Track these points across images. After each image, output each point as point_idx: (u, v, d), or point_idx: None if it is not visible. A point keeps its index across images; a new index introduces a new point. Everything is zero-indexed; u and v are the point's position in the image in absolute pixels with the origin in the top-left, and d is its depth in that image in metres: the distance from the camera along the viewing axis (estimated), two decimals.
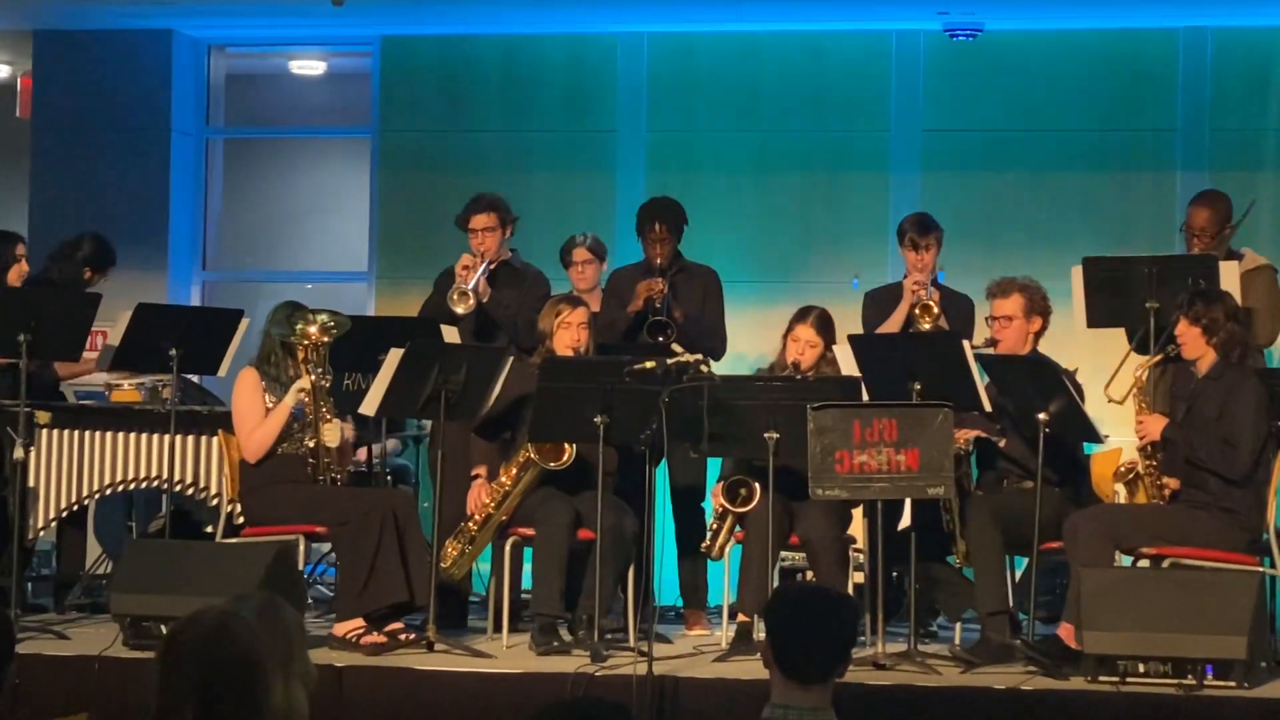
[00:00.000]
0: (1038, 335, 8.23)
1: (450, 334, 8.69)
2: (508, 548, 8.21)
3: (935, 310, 8.79)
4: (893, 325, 8.86)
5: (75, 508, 8.87)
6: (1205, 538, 7.56)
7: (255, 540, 7.97)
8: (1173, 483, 7.76)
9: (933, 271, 8.95)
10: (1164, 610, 7.18)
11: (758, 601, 7.58)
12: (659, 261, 8.94)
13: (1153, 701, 7.01)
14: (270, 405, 8.06)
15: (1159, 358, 7.99)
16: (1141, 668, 7.12)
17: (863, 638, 7.76)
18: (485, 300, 8.90)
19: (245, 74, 12.73)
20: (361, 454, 9.07)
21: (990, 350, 8.16)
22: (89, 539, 9.43)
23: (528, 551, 8.28)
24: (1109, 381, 8.16)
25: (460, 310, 8.82)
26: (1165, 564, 7.57)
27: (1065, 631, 7.45)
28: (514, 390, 8.20)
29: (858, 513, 8.16)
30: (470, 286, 8.83)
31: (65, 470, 8.75)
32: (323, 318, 8.02)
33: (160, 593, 7.60)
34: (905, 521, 8.05)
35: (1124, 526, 7.67)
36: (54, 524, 8.89)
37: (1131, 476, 7.85)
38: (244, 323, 8.81)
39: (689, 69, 11.40)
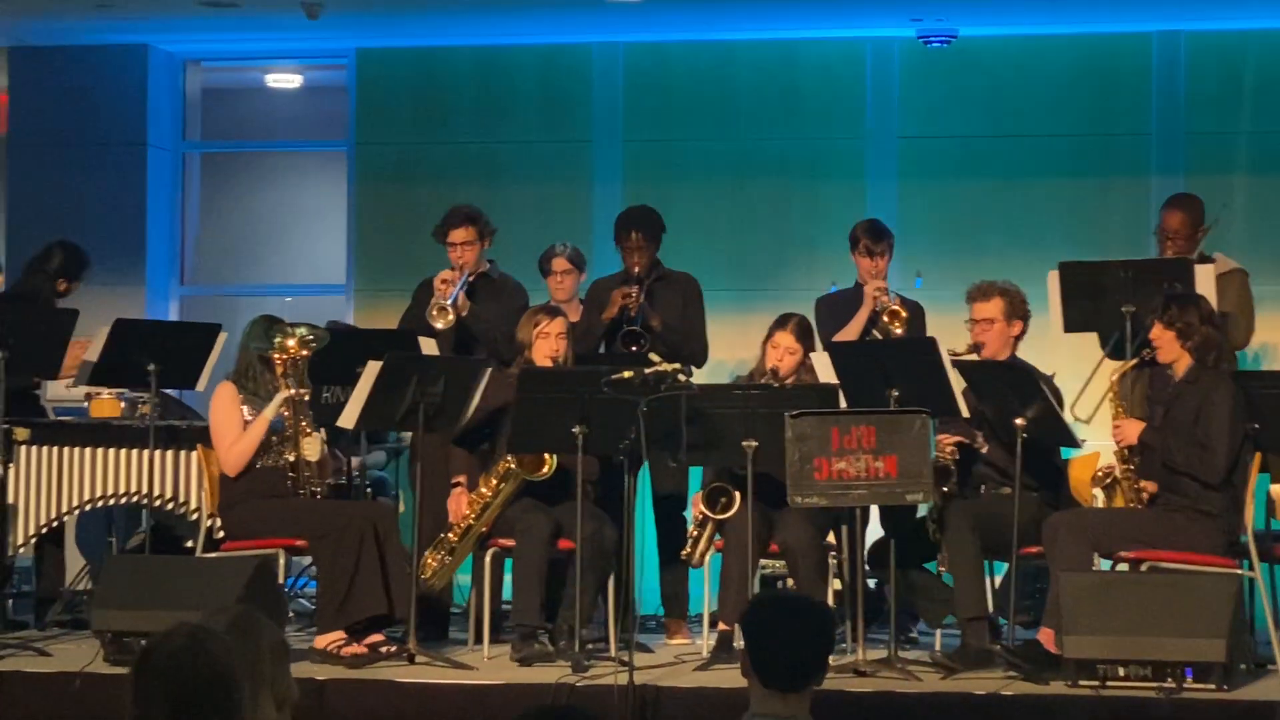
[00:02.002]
0: (1017, 339, 8.25)
1: (428, 346, 8.68)
2: (488, 559, 8.20)
3: (904, 314, 8.81)
4: (850, 332, 8.86)
5: (55, 524, 8.85)
6: (1183, 541, 7.57)
7: (235, 554, 7.96)
8: (1150, 486, 7.77)
9: (884, 276, 8.99)
10: (1143, 614, 7.19)
11: (738, 610, 7.56)
12: (637, 270, 8.93)
13: (1133, 705, 7.03)
14: (248, 419, 8.05)
15: (1134, 362, 8.01)
16: (1121, 671, 7.14)
17: (843, 644, 7.78)
18: (464, 315, 8.88)
19: (221, 88, 12.70)
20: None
21: (974, 356, 8.17)
22: (69, 555, 9.41)
23: (508, 562, 8.27)
24: (1075, 400, 8.17)
25: (440, 325, 8.79)
26: (1144, 567, 7.58)
27: (1045, 636, 7.47)
28: (493, 401, 8.20)
29: None
30: (449, 301, 8.81)
31: (44, 486, 8.74)
32: (301, 331, 8.02)
33: (141, 608, 7.59)
34: (875, 530, 8.04)
35: (1102, 530, 7.68)
36: (33, 540, 8.88)
37: (1109, 481, 7.87)
38: (222, 337, 8.81)
39: (664, 78, 11.39)
